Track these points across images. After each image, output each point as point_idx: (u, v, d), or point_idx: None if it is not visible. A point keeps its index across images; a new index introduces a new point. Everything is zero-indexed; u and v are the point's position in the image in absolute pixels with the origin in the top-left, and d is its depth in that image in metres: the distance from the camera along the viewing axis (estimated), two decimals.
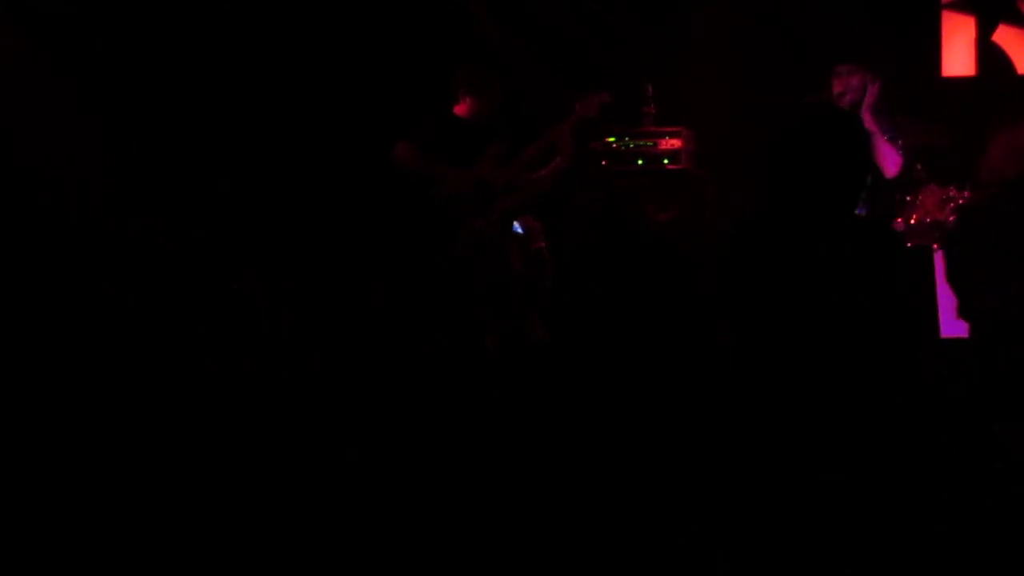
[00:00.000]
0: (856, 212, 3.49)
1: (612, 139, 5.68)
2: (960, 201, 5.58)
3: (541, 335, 5.39)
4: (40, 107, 5.49)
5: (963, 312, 5.31)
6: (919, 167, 5.59)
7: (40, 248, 5.32)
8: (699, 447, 3.30)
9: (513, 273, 5.31)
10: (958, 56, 6.18)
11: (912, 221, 5.55)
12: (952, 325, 5.46)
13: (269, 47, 5.89)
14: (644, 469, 3.69)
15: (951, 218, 5.57)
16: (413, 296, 5.42)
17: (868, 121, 5.09)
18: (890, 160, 5.34)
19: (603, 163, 5.70)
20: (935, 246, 5.53)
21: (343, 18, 6.08)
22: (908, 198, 5.52)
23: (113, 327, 5.10)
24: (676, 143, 5.71)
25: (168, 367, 4.74)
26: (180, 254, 5.51)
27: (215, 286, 5.47)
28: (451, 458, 3.90)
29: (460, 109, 5.45)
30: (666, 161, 5.72)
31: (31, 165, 5.40)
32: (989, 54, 6.15)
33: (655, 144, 5.74)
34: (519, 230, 5.49)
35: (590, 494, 3.56)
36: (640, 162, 5.71)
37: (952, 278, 4.90)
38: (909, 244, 5.55)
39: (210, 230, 5.66)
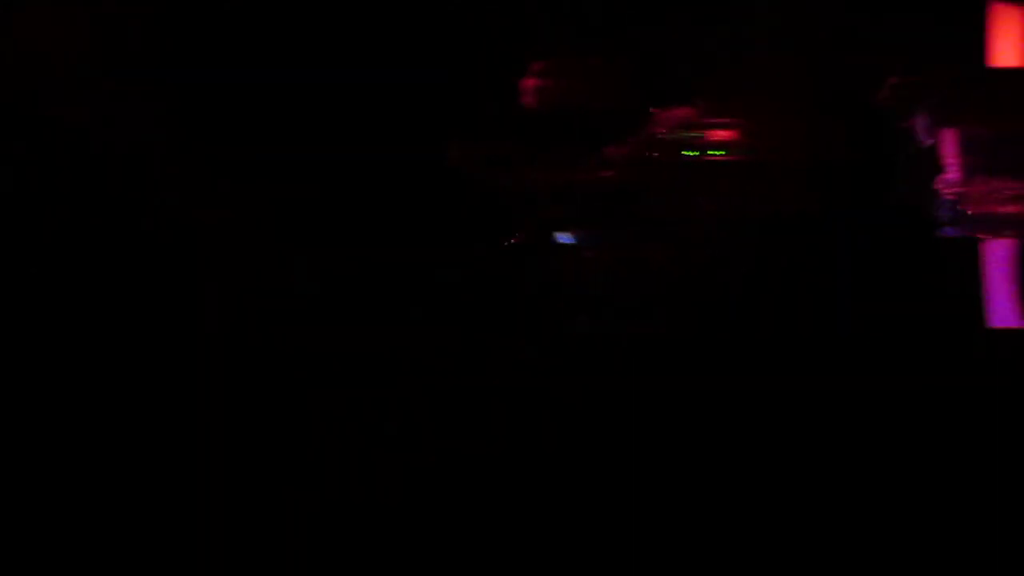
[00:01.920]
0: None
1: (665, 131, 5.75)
2: (1007, 192, 5.62)
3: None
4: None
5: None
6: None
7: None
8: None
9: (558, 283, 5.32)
10: (1006, 47, 6.22)
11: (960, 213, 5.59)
12: (1005, 316, 5.52)
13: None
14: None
15: (999, 209, 5.60)
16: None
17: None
18: None
19: (653, 154, 5.76)
20: (982, 237, 5.58)
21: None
22: (955, 191, 5.57)
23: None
24: (724, 135, 5.78)
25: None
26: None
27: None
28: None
29: (526, 97, 5.46)
30: (716, 153, 5.79)
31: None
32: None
33: (703, 135, 5.81)
34: (566, 240, 5.49)
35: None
36: (688, 153, 5.78)
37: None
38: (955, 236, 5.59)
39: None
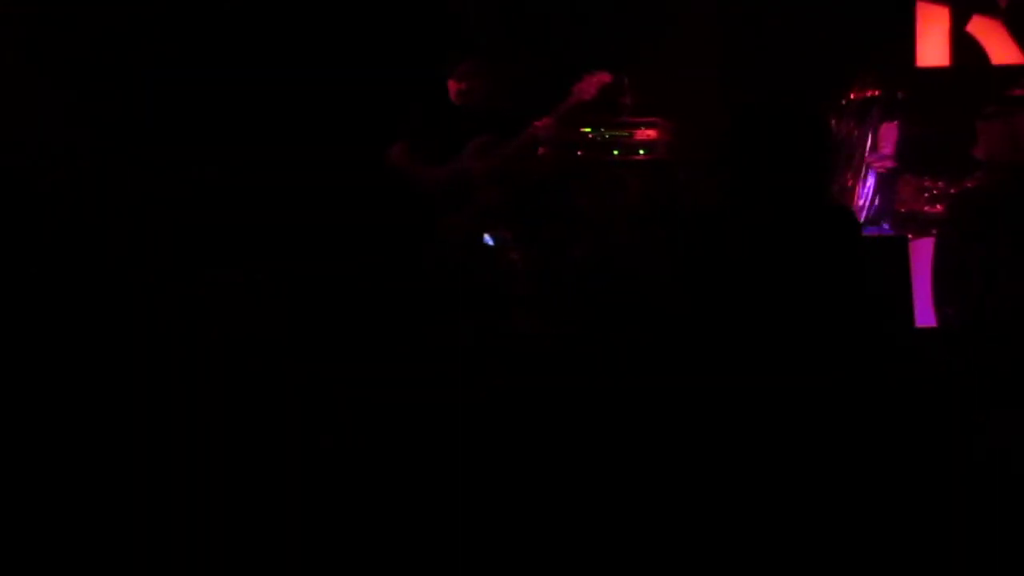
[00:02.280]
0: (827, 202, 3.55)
1: (588, 129, 5.69)
2: (935, 191, 5.60)
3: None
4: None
5: (949, 302, 5.31)
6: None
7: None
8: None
9: (485, 283, 5.22)
10: (933, 47, 6.21)
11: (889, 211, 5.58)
12: (927, 315, 5.49)
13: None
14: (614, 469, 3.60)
15: (927, 208, 5.59)
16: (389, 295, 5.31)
17: None
18: None
19: (578, 153, 5.71)
20: (910, 236, 5.56)
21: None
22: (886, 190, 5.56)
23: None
24: (652, 133, 5.73)
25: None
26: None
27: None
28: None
29: (452, 97, 5.39)
30: (642, 152, 5.74)
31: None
32: (963, 45, 6.19)
33: (631, 135, 5.76)
34: (489, 241, 5.41)
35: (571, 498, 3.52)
36: (616, 152, 5.73)
37: (944, 265, 4.90)
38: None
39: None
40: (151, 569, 3.22)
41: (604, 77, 5.29)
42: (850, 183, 5.61)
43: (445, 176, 5.29)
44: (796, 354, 3.31)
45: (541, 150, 5.35)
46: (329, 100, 5.96)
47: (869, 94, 5.80)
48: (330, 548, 3.36)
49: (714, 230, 3.59)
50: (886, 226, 5.56)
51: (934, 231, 5.53)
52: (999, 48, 6.11)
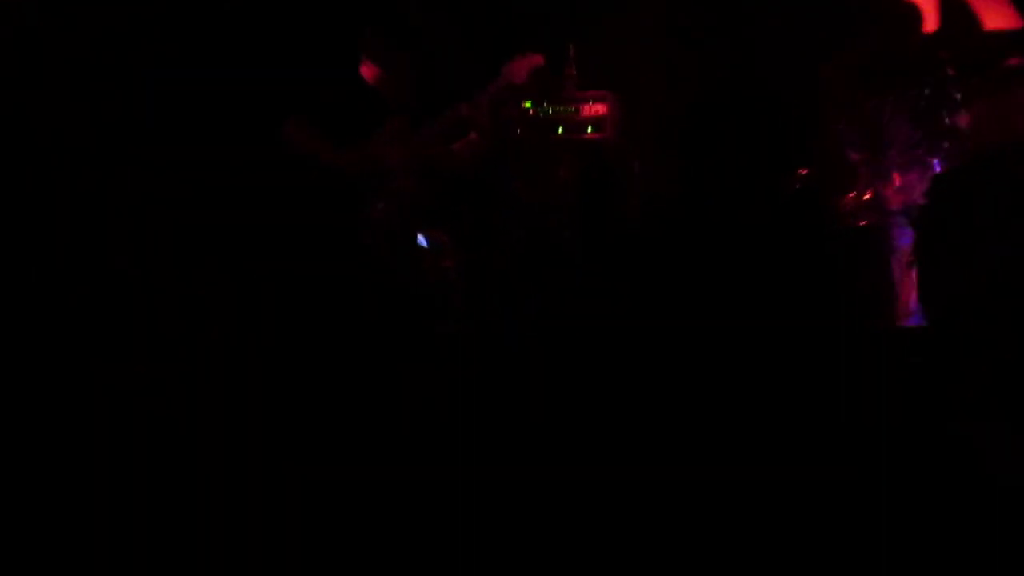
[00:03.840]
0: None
1: (528, 104, 5.04)
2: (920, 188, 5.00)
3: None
4: None
5: (925, 294, 4.82)
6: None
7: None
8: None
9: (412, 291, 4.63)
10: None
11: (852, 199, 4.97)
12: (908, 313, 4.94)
13: None
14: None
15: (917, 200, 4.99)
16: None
17: None
18: None
19: (518, 132, 5.07)
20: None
21: None
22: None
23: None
24: (601, 109, 5.09)
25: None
26: None
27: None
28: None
29: (366, 75, 4.79)
30: (589, 130, 5.10)
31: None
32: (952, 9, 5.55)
33: (577, 111, 5.12)
34: (423, 243, 4.79)
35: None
36: (560, 130, 5.10)
37: (919, 254, 4.34)
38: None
39: None
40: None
41: (536, 59, 4.68)
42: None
43: (357, 161, 4.70)
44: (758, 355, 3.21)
45: (472, 135, 4.73)
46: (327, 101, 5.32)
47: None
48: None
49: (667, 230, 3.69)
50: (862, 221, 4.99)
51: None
52: (993, 11, 5.47)
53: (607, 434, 3.58)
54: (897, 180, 4.82)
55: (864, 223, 4.92)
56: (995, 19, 5.37)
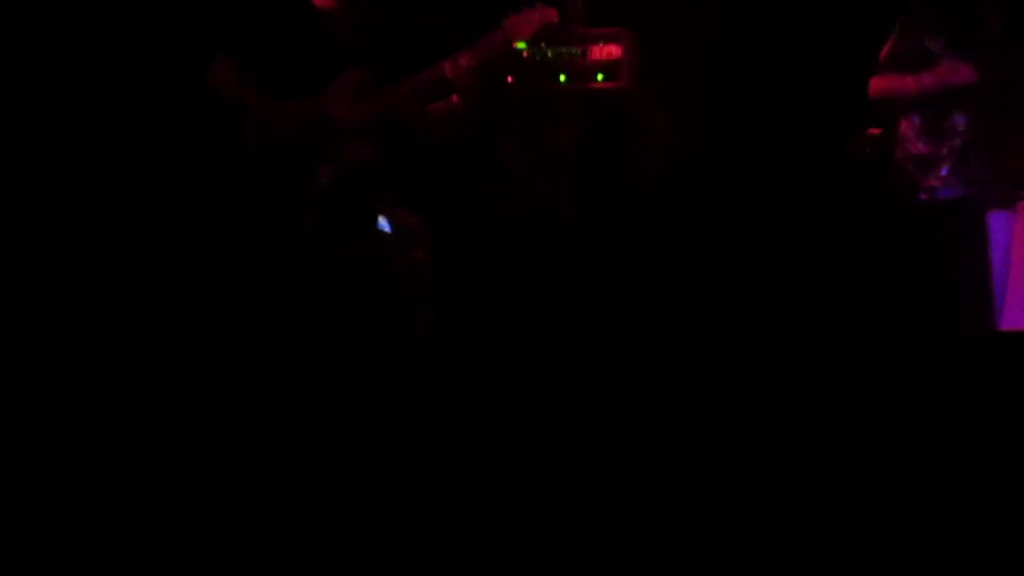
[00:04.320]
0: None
1: (522, 46, 3.87)
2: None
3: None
4: None
5: None
6: None
7: None
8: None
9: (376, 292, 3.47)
10: None
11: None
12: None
13: None
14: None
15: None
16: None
17: None
18: None
19: (508, 80, 3.93)
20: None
21: None
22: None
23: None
24: (614, 51, 3.95)
25: None
26: None
27: None
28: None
29: (320, 4, 3.66)
30: (600, 77, 3.96)
31: None
32: None
33: (584, 53, 3.98)
34: (385, 227, 3.62)
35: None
36: (563, 79, 3.96)
37: None
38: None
39: None
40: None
41: (548, 14, 3.51)
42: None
43: (297, 116, 3.58)
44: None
45: (454, 98, 3.58)
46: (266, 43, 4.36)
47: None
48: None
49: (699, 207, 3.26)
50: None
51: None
52: None
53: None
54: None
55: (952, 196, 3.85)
56: None
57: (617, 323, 3.56)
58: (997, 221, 3.87)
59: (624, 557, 2.99)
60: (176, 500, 3.37)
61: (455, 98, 3.68)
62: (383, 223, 3.63)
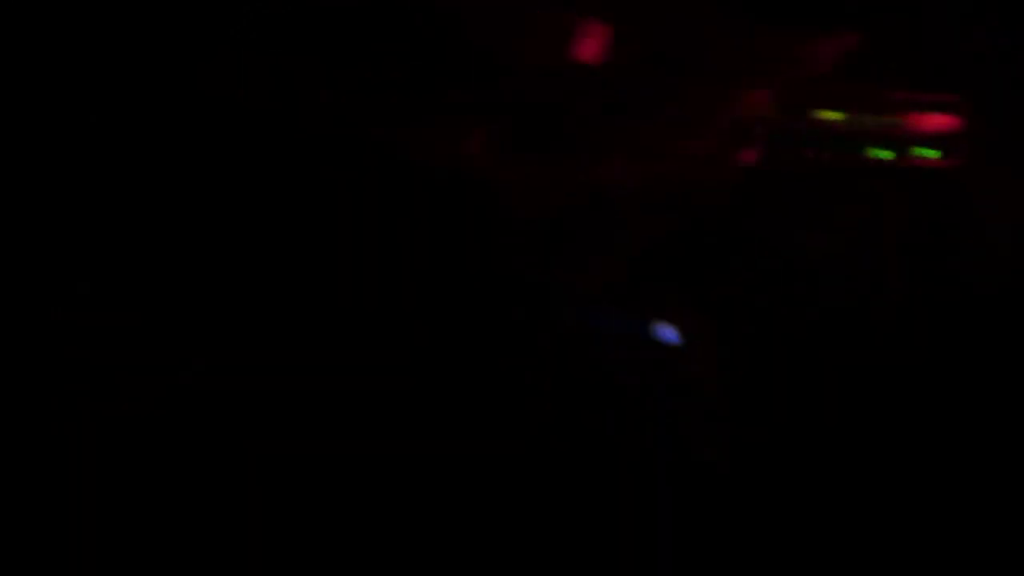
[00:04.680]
0: None
1: (836, 114, 3.15)
2: None
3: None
4: None
5: None
6: None
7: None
8: None
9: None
10: None
11: None
12: None
13: None
14: None
15: None
16: None
17: None
18: None
19: (808, 155, 3.25)
20: None
21: None
22: None
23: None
24: (945, 122, 3.23)
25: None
26: None
27: None
28: None
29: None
30: (925, 154, 3.26)
31: None
32: None
33: (898, 123, 3.29)
34: (665, 336, 2.90)
35: None
36: (878, 154, 3.27)
37: None
38: None
39: None
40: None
41: (849, 39, 2.79)
42: None
43: (564, 184, 2.90)
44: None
45: (745, 151, 2.90)
46: None
47: None
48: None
49: None
50: None
51: None
52: None
53: None
54: None
55: None
56: None
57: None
58: None
59: None
60: None
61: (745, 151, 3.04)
62: (663, 330, 2.94)
